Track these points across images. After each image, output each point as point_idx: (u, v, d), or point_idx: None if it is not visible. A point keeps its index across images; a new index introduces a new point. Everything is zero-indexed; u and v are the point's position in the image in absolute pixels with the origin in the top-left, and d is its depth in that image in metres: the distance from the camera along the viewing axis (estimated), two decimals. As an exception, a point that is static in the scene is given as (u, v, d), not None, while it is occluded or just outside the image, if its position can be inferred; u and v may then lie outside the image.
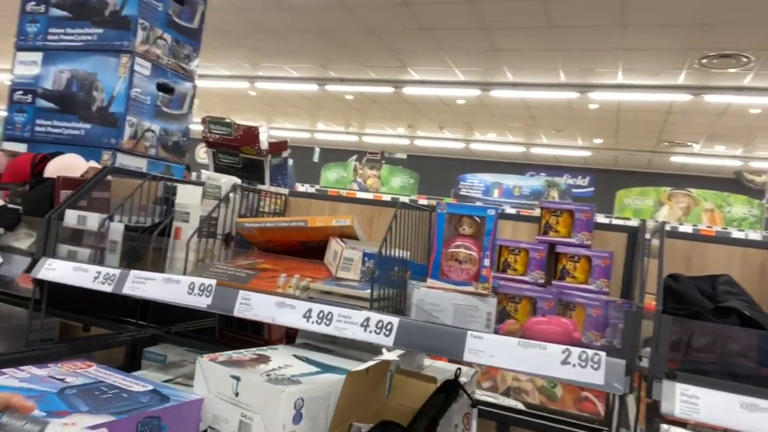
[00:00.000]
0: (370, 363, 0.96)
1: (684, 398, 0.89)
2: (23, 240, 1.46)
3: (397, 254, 1.25)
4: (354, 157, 13.55)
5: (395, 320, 1.08)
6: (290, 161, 1.87)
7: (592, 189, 13.12)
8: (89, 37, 2.05)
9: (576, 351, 0.97)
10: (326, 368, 1.11)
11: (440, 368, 1.42)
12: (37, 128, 2.11)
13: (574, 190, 12.80)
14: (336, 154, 13.87)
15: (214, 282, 1.24)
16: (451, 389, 1.06)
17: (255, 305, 1.20)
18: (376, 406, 1.07)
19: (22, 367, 1.05)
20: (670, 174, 12.19)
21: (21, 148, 2.07)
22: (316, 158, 13.78)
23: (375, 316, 1.10)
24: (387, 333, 1.08)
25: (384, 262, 1.19)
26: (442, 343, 1.04)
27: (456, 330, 1.04)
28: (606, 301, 1.15)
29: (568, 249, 1.32)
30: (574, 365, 0.96)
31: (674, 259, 1.29)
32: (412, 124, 12.25)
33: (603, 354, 0.95)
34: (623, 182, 12.53)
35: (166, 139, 2.21)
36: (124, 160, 2.03)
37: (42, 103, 2.12)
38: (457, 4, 5.59)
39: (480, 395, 1.67)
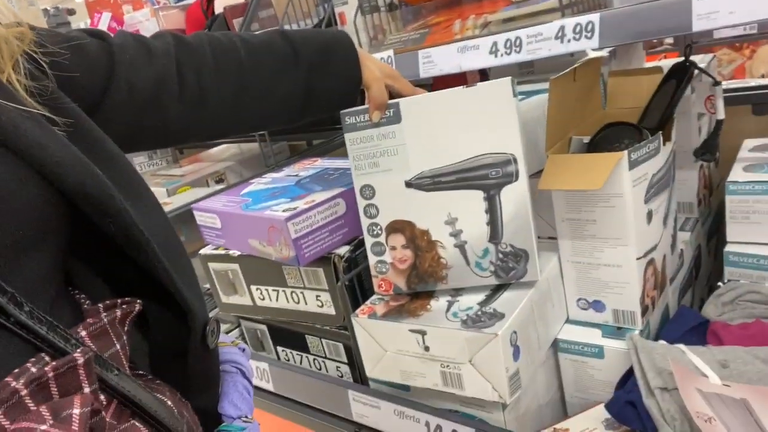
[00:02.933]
0: (575, 65, 0.85)
1: None
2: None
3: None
4: None
5: (595, 16, 0.92)
6: None
7: None
8: None
9: None
10: (530, 94, 1.03)
11: (665, 64, 1.23)
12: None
13: None
14: None
15: (391, 52, 1.20)
16: (682, 74, 0.90)
17: (437, 60, 1.14)
18: (594, 117, 0.97)
19: (263, 175, 1.21)
20: None
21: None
22: None
23: (570, 21, 0.95)
24: (588, 35, 0.93)
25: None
26: (660, 22, 0.85)
27: (678, -1, 0.84)
28: None
29: None
30: None
31: None
32: None
33: None
34: None
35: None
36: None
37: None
38: None
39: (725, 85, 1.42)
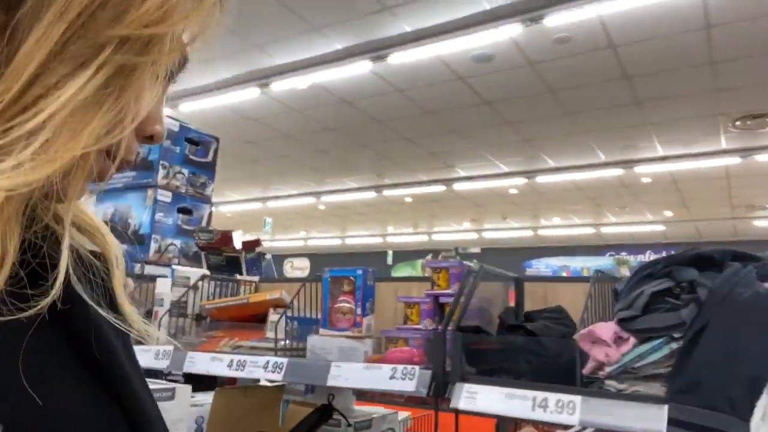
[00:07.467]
0: (249, 385, 1.30)
1: (467, 394, 1.13)
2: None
3: (306, 315, 1.60)
4: (429, 257, 13.91)
5: (285, 360, 1.41)
6: (268, 256, 2.30)
7: (678, 264, 12.41)
8: (126, 179, 2.69)
9: (400, 368, 1.24)
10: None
11: (370, 411, 1.69)
12: (91, 252, 2.73)
13: (657, 267, 12.19)
14: (410, 255, 14.29)
15: (171, 348, 1.64)
16: (324, 411, 1.35)
17: (197, 362, 1.57)
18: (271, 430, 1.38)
19: None
20: (761, 241, 11.38)
21: (78, 268, 2.67)
22: (389, 261, 14.28)
23: (272, 359, 1.44)
24: (279, 371, 1.41)
25: (297, 320, 1.55)
26: (314, 373, 1.35)
27: (324, 363, 1.35)
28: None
29: (449, 299, 1.60)
30: (398, 379, 1.23)
31: (533, 297, 1.53)
32: (476, 218, 12.57)
33: (417, 368, 1.22)
34: (711, 253, 11.81)
35: (187, 250, 2.74)
36: (151, 270, 2.56)
37: (95, 232, 2.75)
38: (476, 105, 6.12)
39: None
